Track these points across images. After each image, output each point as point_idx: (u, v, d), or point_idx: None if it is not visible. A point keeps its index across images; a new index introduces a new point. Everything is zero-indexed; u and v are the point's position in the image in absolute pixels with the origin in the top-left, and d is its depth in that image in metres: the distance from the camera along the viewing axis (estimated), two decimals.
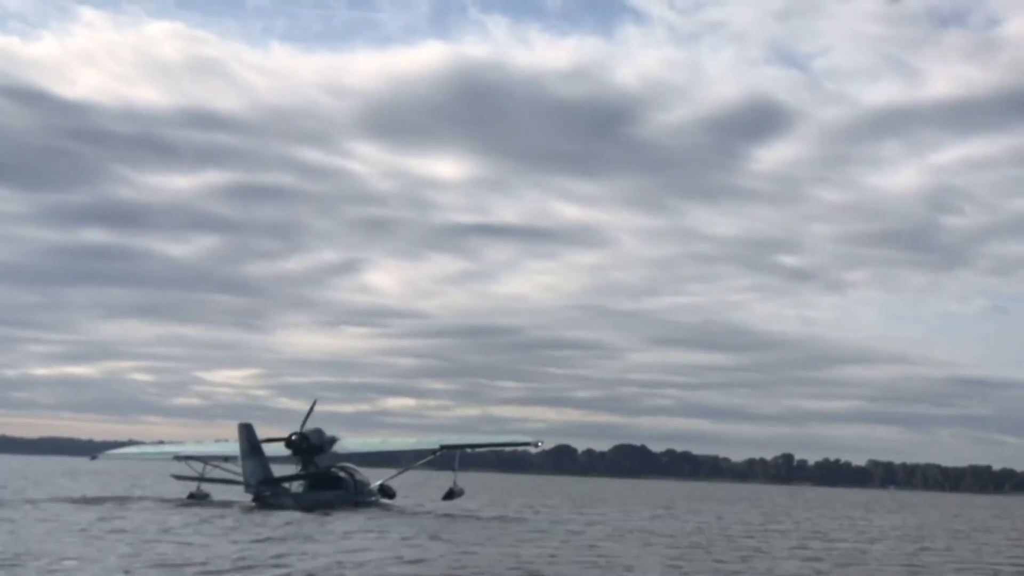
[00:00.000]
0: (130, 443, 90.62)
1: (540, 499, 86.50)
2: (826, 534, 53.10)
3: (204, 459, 59.97)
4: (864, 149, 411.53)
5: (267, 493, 52.91)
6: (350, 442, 60.53)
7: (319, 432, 57.69)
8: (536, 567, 29.70)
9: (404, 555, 31.50)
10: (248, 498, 53.46)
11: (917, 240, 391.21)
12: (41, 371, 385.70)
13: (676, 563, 32.23)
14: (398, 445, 62.88)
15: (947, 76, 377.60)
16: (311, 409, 58.13)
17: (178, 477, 59.98)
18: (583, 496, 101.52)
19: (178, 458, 61.05)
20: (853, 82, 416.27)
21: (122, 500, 56.32)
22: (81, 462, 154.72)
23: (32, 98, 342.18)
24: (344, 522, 44.78)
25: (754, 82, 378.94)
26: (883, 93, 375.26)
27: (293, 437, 56.76)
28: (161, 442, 78.12)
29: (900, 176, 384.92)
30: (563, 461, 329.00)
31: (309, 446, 56.82)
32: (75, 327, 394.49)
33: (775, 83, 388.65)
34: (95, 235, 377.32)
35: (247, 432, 52.07)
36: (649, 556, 33.59)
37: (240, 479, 53.99)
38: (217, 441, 64.24)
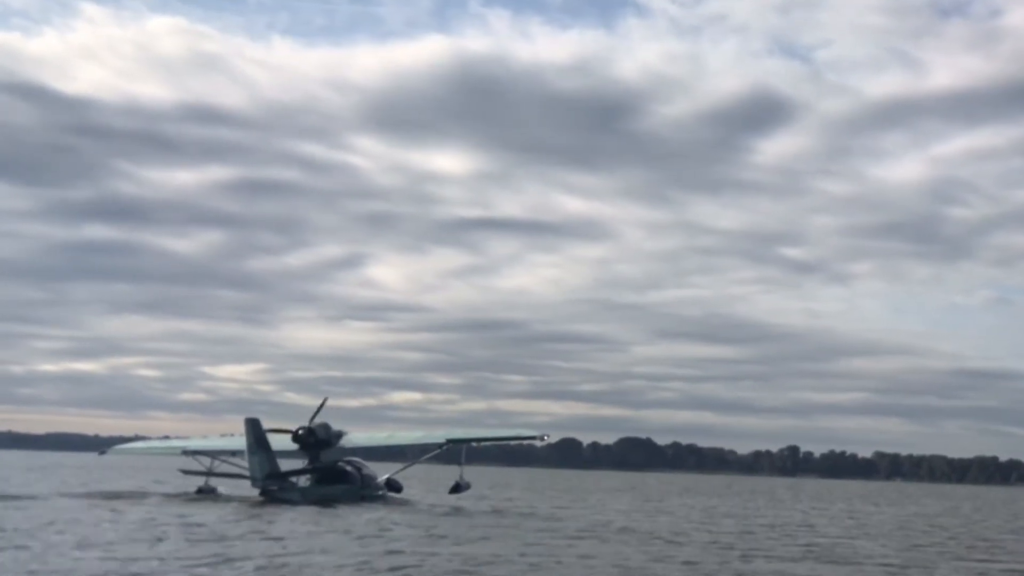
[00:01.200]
0: (136, 438, 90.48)
1: (532, 493, 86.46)
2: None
3: (212, 454, 60.10)
4: (867, 141, 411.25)
5: (274, 487, 52.99)
6: (357, 436, 60.65)
7: (326, 427, 57.77)
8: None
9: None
10: (255, 492, 53.63)
11: (921, 232, 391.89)
12: (47, 367, 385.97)
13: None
14: (405, 439, 62.94)
15: (949, 67, 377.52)
16: (321, 406, 58.16)
17: (186, 472, 60.10)
18: (579, 490, 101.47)
19: (186, 453, 61.18)
20: (855, 74, 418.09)
21: (139, 495, 56.72)
22: (88, 457, 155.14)
23: (34, 94, 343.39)
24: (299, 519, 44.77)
25: (756, 74, 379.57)
26: (886, 84, 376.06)
27: (300, 432, 56.87)
28: (167, 437, 78.10)
29: (903, 168, 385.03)
30: (568, 454, 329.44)
31: (316, 441, 56.91)
32: (80, 323, 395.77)
33: (777, 75, 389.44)
34: (98, 231, 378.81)
35: (254, 427, 52.10)
36: (609, 555, 32.54)
37: (248, 474, 54.21)
38: (223, 436, 64.31)
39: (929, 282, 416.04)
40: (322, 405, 58.26)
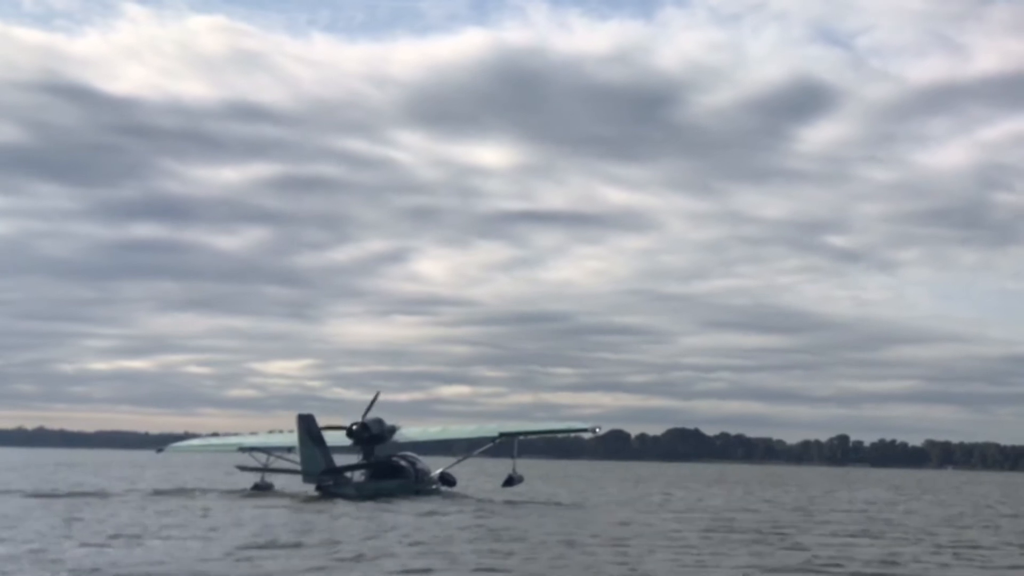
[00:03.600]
0: (185, 435, 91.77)
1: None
2: None
3: (267, 450, 60.91)
4: (911, 127, 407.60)
5: (329, 483, 53.61)
6: (411, 431, 61.22)
7: (379, 422, 58.28)
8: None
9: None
10: (310, 488, 54.32)
11: (968, 217, 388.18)
12: (98, 365, 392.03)
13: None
14: (458, 433, 63.37)
15: (993, 51, 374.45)
16: (374, 401, 58.64)
17: (243, 468, 60.97)
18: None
19: (242, 449, 62.02)
20: (898, 59, 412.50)
21: (191, 492, 57.73)
22: (144, 455, 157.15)
23: (79, 95, 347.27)
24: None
25: (797, 62, 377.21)
26: (929, 69, 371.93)
27: (354, 427, 57.43)
28: (215, 434, 79.25)
29: (948, 153, 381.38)
30: (616, 446, 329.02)
31: (370, 436, 57.45)
32: (129, 321, 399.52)
33: (819, 62, 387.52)
34: (145, 229, 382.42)
35: (307, 423, 52.78)
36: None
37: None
38: (271, 432, 65.15)
39: (977, 268, 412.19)
40: (375, 400, 58.80)
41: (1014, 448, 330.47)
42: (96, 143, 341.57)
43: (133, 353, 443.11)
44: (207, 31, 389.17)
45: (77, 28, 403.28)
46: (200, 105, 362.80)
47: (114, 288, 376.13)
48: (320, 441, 53.22)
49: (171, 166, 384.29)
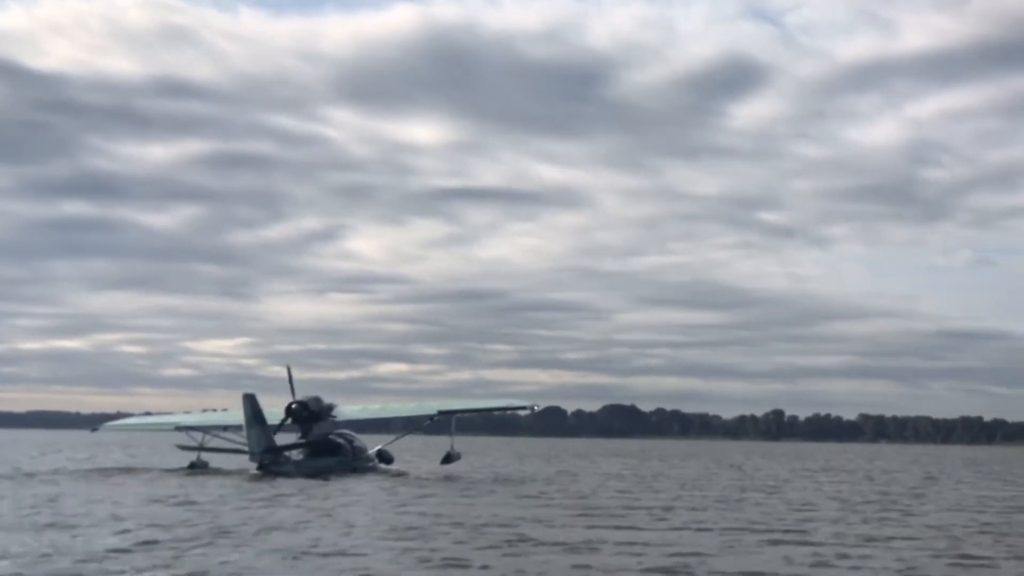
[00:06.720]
0: (119, 415, 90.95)
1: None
2: None
3: (204, 429, 60.57)
4: (841, 103, 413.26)
5: (268, 461, 53.55)
6: (349, 408, 61.25)
7: (318, 400, 58.20)
8: None
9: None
10: (252, 466, 54.21)
11: (898, 193, 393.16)
12: (29, 345, 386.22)
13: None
14: (397, 411, 63.52)
15: (920, 27, 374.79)
16: (289, 376, 58.39)
17: (182, 447, 60.65)
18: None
19: (179, 428, 61.71)
20: (827, 36, 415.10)
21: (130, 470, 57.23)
22: (76, 435, 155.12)
23: (3, 71, 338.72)
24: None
25: (728, 39, 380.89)
26: (857, 46, 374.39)
27: (293, 406, 57.24)
28: (148, 413, 78.67)
29: (878, 129, 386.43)
30: (553, 423, 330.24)
31: (309, 414, 57.35)
32: (61, 300, 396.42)
33: (749, 39, 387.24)
34: (75, 207, 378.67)
35: (251, 402, 52.61)
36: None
37: (240, 448, 54.89)
38: (204, 411, 64.85)
39: (908, 244, 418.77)
40: (290, 374, 58.43)
41: (946, 421, 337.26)
42: (23, 120, 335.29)
43: (65, 332, 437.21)
44: (134, 6, 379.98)
45: (0, 2, 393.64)
46: (128, 81, 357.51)
47: (44, 267, 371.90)
48: (262, 420, 53.12)
49: (100, 143, 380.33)
